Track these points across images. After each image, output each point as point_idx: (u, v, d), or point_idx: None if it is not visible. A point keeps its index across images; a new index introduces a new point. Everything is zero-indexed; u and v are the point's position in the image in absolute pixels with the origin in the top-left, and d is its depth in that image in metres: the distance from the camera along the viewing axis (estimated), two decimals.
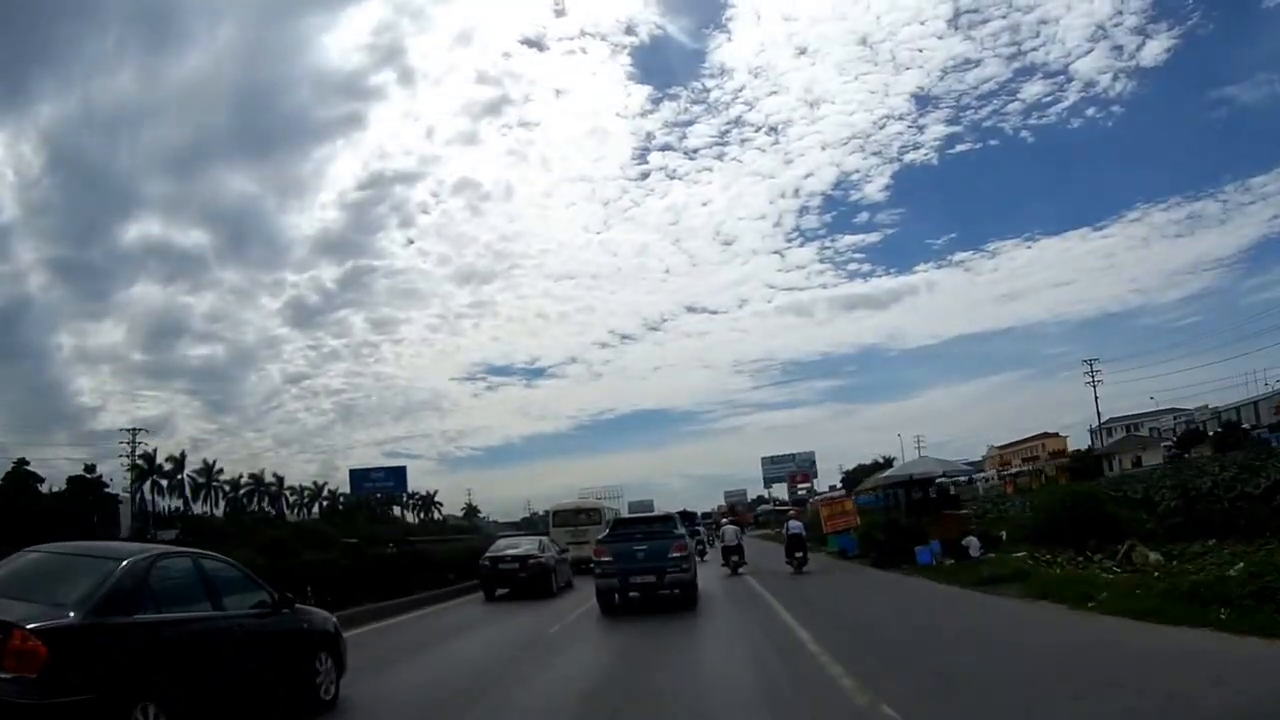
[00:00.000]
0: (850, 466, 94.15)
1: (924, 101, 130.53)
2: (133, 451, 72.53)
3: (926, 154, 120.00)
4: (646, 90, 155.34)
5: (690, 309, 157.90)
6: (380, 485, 79.34)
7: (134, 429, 74.56)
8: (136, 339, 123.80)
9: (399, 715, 7.92)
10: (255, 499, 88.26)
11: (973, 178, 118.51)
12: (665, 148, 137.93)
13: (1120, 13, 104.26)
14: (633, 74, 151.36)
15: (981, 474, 73.86)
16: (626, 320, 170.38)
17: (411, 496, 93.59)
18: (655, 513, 21.99)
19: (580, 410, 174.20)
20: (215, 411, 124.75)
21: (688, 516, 73.62)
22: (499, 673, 9.57)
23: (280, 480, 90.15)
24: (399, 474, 79.96)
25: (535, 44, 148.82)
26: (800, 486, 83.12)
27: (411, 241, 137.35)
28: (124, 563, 5.86)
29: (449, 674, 9.74)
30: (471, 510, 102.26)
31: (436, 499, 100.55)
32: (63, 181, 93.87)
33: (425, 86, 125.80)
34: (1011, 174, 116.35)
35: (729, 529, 25.47)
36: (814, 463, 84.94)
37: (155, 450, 77.18)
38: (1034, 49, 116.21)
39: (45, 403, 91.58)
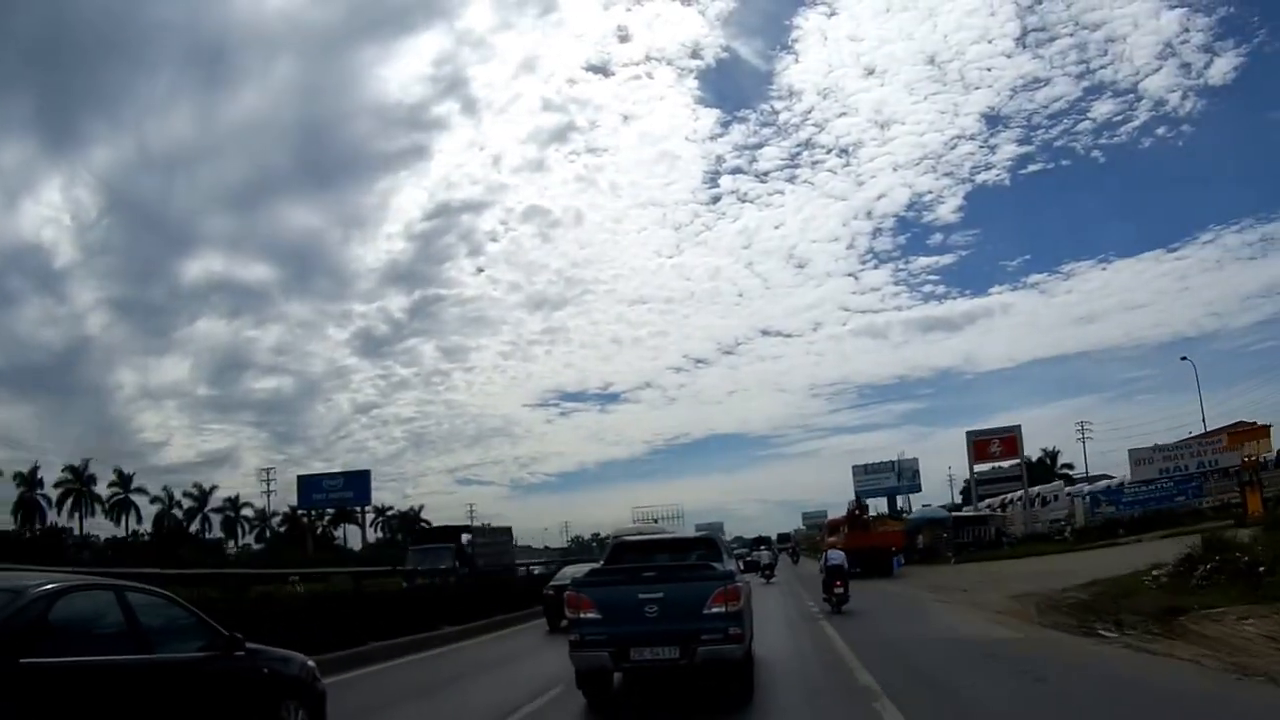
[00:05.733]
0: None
1: (994, 121, 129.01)
2: None
3: (999, 174, 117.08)
4: (715, 113, 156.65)
5: (764, 332, 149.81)
6: (336, 496, 67.41)
7: None
8: (201, 374, 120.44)
9: None
10: (79, 507, 66.83)
11: (1045, 198, 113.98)
12: (736, 171, 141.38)
13: (1187, 30, 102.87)
14: (701, 97, 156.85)
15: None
16: (700, 344, 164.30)
17: (383, 511, 78.08)
18: (684, 534, 16.12)
19: (655, 435, 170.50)
20: (282, 442, 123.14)
21: (762, 541, 60.04)
22: None
23: (125, 479, 70.03)
24: (359, 481, 67.67)
25: (600, 70, 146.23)
26: (1007, 462, 53.24)
27: (481, 270, 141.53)
28: (18, 594, 4.76)
29: None
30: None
31: (423, 516, 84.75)
32: (122, 222, 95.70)
33: (489, 115, 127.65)
34: (1084, 194, 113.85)
35: (764, 552, 36.79)
36: (917, 471, 66.75)
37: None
38: (1102, 67, 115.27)
39: (109, 439, 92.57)
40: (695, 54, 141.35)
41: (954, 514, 48.97)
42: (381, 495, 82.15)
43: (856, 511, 36.64)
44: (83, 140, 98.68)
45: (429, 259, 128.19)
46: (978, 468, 53.70)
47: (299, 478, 68.57)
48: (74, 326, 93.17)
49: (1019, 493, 50.83)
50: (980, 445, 51.19)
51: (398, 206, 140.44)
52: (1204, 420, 48.99)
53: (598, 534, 70.77)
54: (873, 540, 33.60)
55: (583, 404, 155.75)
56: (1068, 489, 49.57)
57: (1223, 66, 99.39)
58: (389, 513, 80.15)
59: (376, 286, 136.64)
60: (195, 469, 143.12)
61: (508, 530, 45.20)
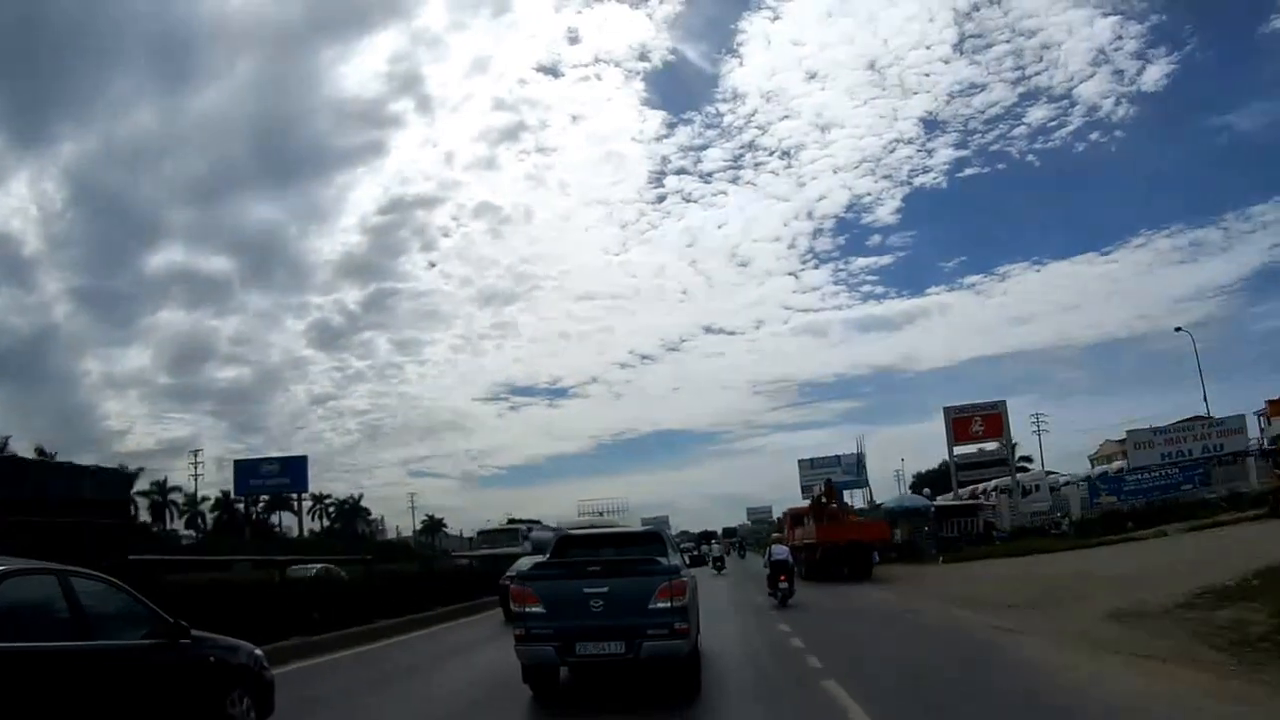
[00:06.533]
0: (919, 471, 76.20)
1: (932, 126, 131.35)
2: None
3: (936, 178, 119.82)
4: (661, 115, 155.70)
5: (708, 330, 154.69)
6: (273, 482, 64.70)
7: None
8: (163, 363, 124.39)
9: None
10: None
11: (981, 201, 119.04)
12: (681, 171, 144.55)
13: (1120, 37, 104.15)
14: (647, 99, 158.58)
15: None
16: (646, 340, 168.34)
17: (321, 500, 73.57)
18: (630, 527, 16.41)
19: (602, 430, 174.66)
20: (241, 432, 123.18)
21: (710, 536, 62.12)
22: None
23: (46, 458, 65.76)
24: (296, 467, 65.13)
25: (550, 71, 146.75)
26: (988, 443, 44.86)
27: (434, 264, 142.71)
28: None
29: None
30: (434, 524, 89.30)
31: (363, 503, 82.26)
32: (87, 214, 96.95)
33: (443, 114, 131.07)
34: (1019, 197, 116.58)
35: (716, 546, 39.26)
36: (865, 465, 64.46)
37: None
38: (1038, 73, 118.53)
39: (73, 427, 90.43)
40: (643, 56, 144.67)
41: (934, 504, 42.18)
42: (335, 486, 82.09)
43: (824, 499, 29.42)
44: (49, 131, 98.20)
45: (383, 252, 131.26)
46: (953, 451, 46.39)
47: (235, 463, 65.69)
48: (40, 315, 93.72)
49: (994, 482, 45.22)
50: (960, 424, 43.57)
51: (354, 200, 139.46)
52: (1205, 401, 46.08)
53: (538, 520, 70.51)
54: (850, 534, 27.65)
55: (532, 398, 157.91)
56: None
57: (1155, 74, 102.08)
58: (327, 500, 75.90)
59: (332, 279, 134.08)
60: (154, 457, 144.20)
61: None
